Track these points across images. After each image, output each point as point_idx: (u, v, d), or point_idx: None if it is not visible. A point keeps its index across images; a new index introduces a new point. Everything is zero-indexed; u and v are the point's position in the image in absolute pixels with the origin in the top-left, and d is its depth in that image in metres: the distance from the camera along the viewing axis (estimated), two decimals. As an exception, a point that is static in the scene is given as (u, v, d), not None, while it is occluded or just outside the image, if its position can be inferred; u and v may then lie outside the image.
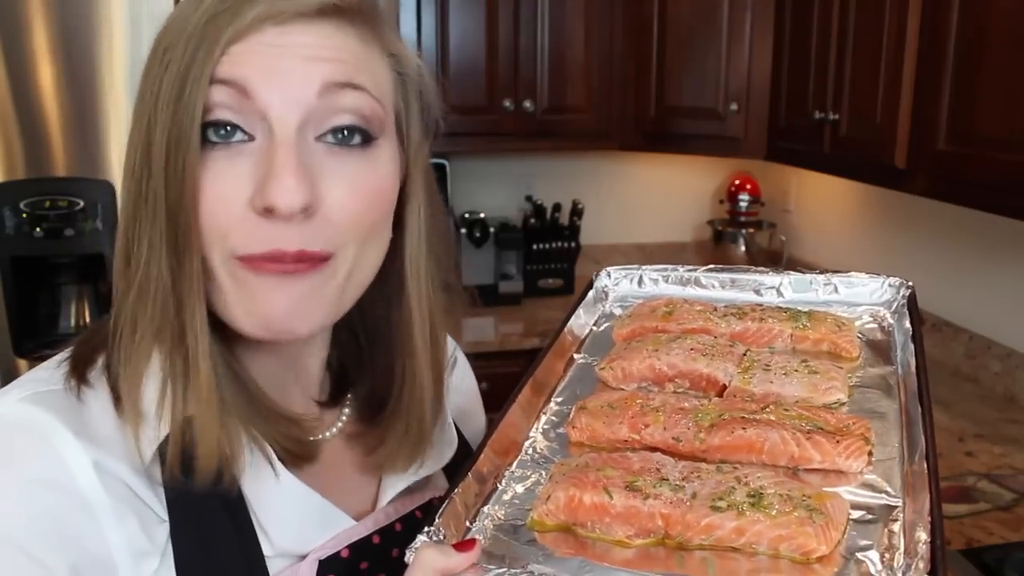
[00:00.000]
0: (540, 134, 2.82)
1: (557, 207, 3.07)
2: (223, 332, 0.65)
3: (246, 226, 0.60)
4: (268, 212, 0.59)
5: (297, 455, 0.68)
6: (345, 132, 0.62)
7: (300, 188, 0.58)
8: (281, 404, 0.71)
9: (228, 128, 0.60)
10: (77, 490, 0.59)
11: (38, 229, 1.88)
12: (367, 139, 0.64)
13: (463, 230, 2.92)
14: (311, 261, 0.61)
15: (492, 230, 2.93)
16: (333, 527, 0.69)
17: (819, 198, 3.00)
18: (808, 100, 2.30)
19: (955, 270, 2.31)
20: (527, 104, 2.76)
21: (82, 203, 1.89)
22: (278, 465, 0.66)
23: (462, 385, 0.93)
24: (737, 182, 3.14)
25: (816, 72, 2.26)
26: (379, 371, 0.76)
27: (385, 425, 0.74)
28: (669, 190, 3.34)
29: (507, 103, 2.75)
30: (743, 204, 3.11)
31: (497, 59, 2.74)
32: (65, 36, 1.84)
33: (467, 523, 0.62)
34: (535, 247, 3.01)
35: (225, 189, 0.60)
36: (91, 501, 0.59)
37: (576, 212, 3.07)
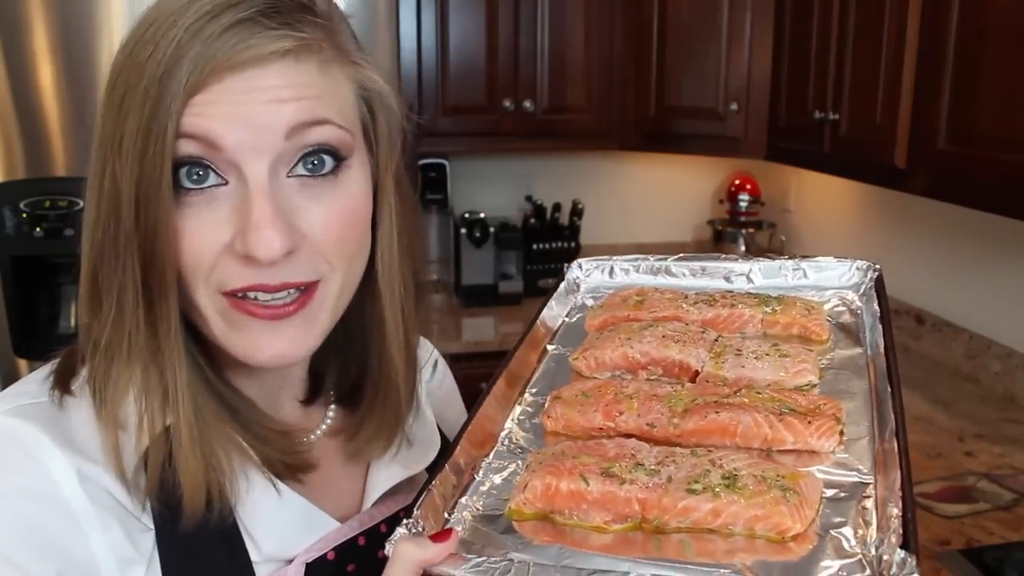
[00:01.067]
0: (540, 134, 2.83)
1: (557, 207, 3.07)
2: (209, 348, 0.66)
3: (228, 266, 0.61)
4: (249, 260, 0.60)
5: (294, 468, 0.69)
6: (315, 161, 0.63)
7: (279, 237, 0.59)
8: (271, 414, 0.72)
9: (201, 172, 0.60)
10: (61, 500, 0.59)
11: (38, 229, 1.88)
12: (337, 163, 0.64)
13: (463, 230, 2.93)
14: (298, 301, 0.63)
15: (492, 230, 2.93)
16: (318, 530, 0.70)
17: (819, 198, 3.00)
18: (808, 100, 2.30)
19: (955, 270, 2.31)
20: (527, 104, 2.76)
21: (82, 203, 1.88)
22: (269, 489, 0.67)
23: (442, 389, 0.94)
24: (737, 182, 3.14)
25: (816, 72, 2.26)
26: (353, 361, 0.77)
27: (362, 413, 0.76)
28: (669, 190, 3.34)
29: (507, 103, 2.75)
30: (743, 204, 3.11)
31: (497, 59, 2.74)
32: (65, 36, 1.84)
33: (445, 514, 0.63)
34: (535, 247, 3.01)
35: (205, 234, 0.60)
36: (75, 510, 0.60)
37: (576, 212, 3.07)
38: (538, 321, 0.90)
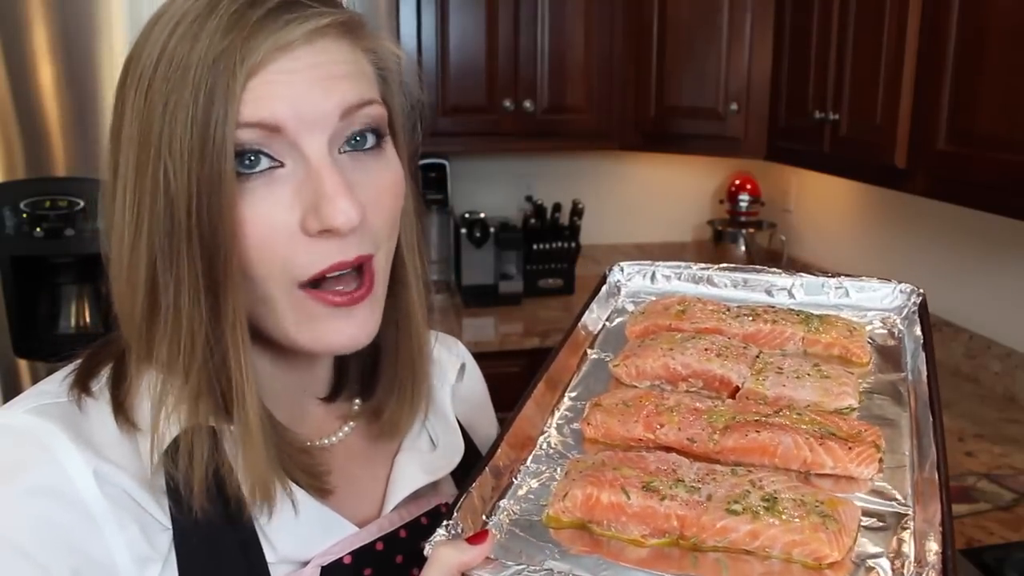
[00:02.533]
0: (540, 134, 2.82)
1: (557, 207, 3.07)
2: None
3: (302, 248, 0.61)
4: (327, 233, 0.61)
5: (315, 488, 0.70)
6: (358, 138, 0.65)
7: (354, 206, 0.60)
8: (296, 417, 0.73)
9: (252, 157, 0.60)
10: (78, 498, 0.60)
11: (38, 229, 1.88)
12: (378, 139, 0.66)
13: (463, 230, 2.92)
14: (365, 281, 0.65)
15: (492, 230, 2.93)
16: (336, 534, 0.70)
17: (819, 198, 3.00)
18: (808, 100, 2.30)
19: (955, 270, 2.31)
20: (527, 104, 2.76)
21: (82, 203, 1.89)
22: (297, 497, 0.67)
23: (472, 394, 0.94)
24: (737, 182, 3.14)
25: (816, 72, 2.26)
26: (373, 352, 0.78)
27: (382, 393, 0.77)
28: (669, 190, 3.34)
29: (507, 103, 2.75)
30: (743, 204, 3.11)
31: (497, 59, 2.74)
32: (65, 36, 1.84)
33: (484, 517, 0.63)
34: (535, 247, 3.01)
35: (272, 216, 0.61)
36: (92, 508, 0.60)
37: (576, 212, 3.07)
38: (579, 324, 0.90)
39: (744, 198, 3.11)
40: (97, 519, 0.60)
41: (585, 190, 3.21)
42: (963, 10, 1.70)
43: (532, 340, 2.64)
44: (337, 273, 0.63)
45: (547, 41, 2.76)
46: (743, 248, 3.07)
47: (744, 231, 3.08)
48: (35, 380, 1.96)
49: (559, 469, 0.69)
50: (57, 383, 0.67)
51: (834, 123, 2.17)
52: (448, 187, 2.91)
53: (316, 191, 0.60)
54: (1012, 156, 1.56)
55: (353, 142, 0.64)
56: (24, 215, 1.88)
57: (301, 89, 0.60)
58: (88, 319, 2.03)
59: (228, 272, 0.60)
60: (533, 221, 3.06)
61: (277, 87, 0.59)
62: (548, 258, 3.03)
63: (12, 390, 1.97)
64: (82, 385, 0.66)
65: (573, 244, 3.05)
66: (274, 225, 0.61)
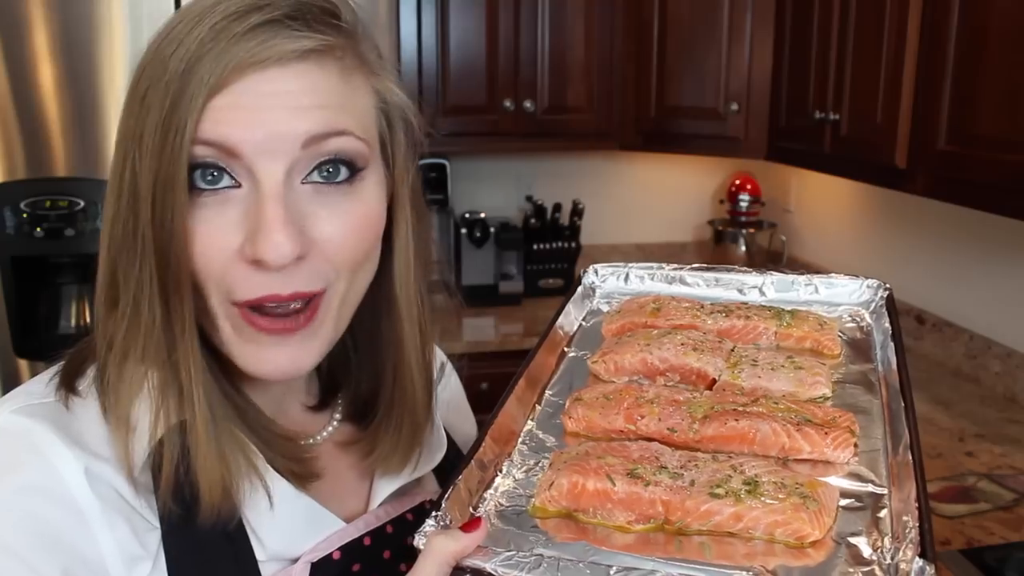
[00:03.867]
0: (540, 134, 2.82)
1: (557, 207, 3.07)
2: (217, 352, 0.66)
3: (239, 272, 0.61)
4: (258, 264, 0.59)
5: (299, 475, 0.69)
6: (330, 169, 0.63)
7: (289, 241, 0.59)
8: (277, 418, 0.72)
9: (215, 173, 0.60)
10: (68, 497, 0.60)
11: (38, 229, 1.88)
12: (353, 173, 0.64)
13: (463, 230, 2.92)
14: (307, 312, 0.63)
15: (492, 230, 2.93)
16: (324, 530, 0.70)
17: (819, 198, 3.00)
18: (808, 100, 2.30)
19: (955, 270, 2.31)
20: (527, 104, 2.76)
21: (82, 203, 1.89)
22: (275, 488, 0.67)
23: (452, 395, 0.94)
24: (737, 182, 3.14)
25: (816, 72, 2.26)
26: (367, 374, 0.77)
27: (376, 429, 0.76)
28: (669, 190, 3.34)
29: (507, 103, 2.75)
30: (743, 204, 3.11)
31: (497, 59, 2.74)
32: (65, 36, 1.84)
33: (471, 509, 0.64)
34: (535, 247, 3.01)
35: (216, 236, 0.60)
36: (82, 507, 0.60)
37: (576, 212, 3.07)
38: (555, 325, 0.91)
39: (744, 198, 3.11)
40: (88, 518, 0.60)
41: (585, 190, 3.21)
42: (963, 10, 1.70)
43: (532, 340, 2.61)
44: (272, 304, 0.62)
45: (547, 41, 2.76)
46: (743, 248, 3.07)
47: (744, 231, 3.08)
48: (35, 380, 1.96)
49: (543, 461, 0.70)
50: (43, 384, 0.66)
51: (834, 123, 2.17)
52: (448, 187, 2.91)
53: (257, 219, 0.59)
54: (1012, 156, 1.56)
55: (326, 173, 0.62)
56: (24, 215, 1.88)
57: (264, 116, 0.59)
58: (88, 319, 2.03)
59: (179, 280, 0.60)
60: (533, 221, 3.06)
61: (239, 112, 0.58)
62: (548, 258, 3.03)
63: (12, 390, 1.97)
64: (68, 385, 0.66)
65: (573, 244, 3.05)
66: (215, 244, 0.60)
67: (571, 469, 0.64)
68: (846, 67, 2.12)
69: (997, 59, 1.60)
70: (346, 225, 0.63)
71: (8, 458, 0.60)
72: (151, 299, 0.60)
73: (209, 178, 0.60)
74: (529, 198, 3.14)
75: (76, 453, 0.61)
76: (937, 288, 2.37)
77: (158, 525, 0.63)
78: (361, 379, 0.78)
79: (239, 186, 0.60)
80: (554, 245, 3.03)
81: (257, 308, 0.62)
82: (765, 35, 2.54)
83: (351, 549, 0.71)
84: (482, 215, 2.96)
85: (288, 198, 0.60)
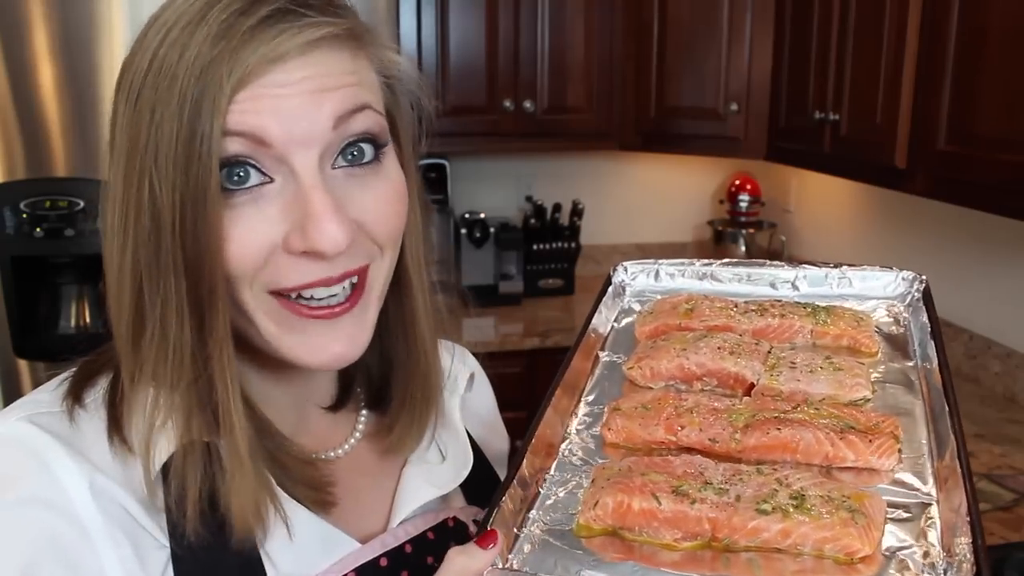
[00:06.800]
0: (540, 134, 2.82)
1: (557, 207, 3.07)
2: (243, 362, 0.65)
3: (282, 262, 0.60)
4: (311, 255, 0.59)
5: (317, 503, 0.68)
6: (355, 152, 0.63)
7: (341, 228, 0.59)
8: (298, 428, 0.71)
9: (242, 172, 0.58)
10: (72, 510, 0.59)
11: (38, 229, 1.88)
12: (377, 151, 0.64)
13: (463, 230, 2.92)
14: (351, 297, 0.63)
15: (492, 230, 2.93)
16: (338, 551, 0.68)
17: (819, 198, 3.00)
18: (808, 100, 2.30)
19: (955, 270, 2.31)
20: (527, 104, 2.76)
21: (82, 203, 1.89)
22: (292, 514, 0.66)
23: (482, 407, 0.92)
24: (737, 182, 3.14)
25: (816, 72, 2.26)
26: (376, 357, 0.77)
27: (394, 411, 0.76)
28: (669, 190, 3.34)
29: (507, 103, 2.75)
30: (743, 204, 3.11)
31: (497, 59, 2.74)
32: (65, 36, 1.84)
33: (515, 530, 0.63)
34: (535, 247, 3.01)
35: (254, 234, 0.59)
36: (86, 522, 0.59)
37: (576, 212, 3.07)
38: (589, 327, 0.89)
39: (744, 198, 3.11)
40: (91, 533, 0.59)
41: (585, 190, 3.21)
42: (963, 10, 1.70)
43: (532, 340, 2.64)
44: (322, 290, 0.61)
45: (547, 41, 2.76)
46: (743, 248, 3.07)
47: (744, 231, 3.08)
48: (35, 380, 1.96)
49: (584, 477, 0.69)
50: (49, 393, 0.65)
51: (834, 123, 2.17)
52: (448, 187, 2.90)
53: (304, 211, 0.58)
54: (1012, 156, 1.56)
55: (350, 156, 0.62)
56: (24, 215, 1.88)
57: (292, 103, 0.58)
58: (88, 319, 2.03)
59: (214, 291, 0.58)
60: (533, 221, 3.06)
61: (266, 101, 0.57)
62: (548, 258, 3.03)
63: (12, 390, 1.97)
64: (76, 396, 0.64)
65: (573, 244, 3.05)
66: (256, 242, 0.59)
67: (615, 487, 0.63)
68: (846, 67, 2.12)
69: (997, 59, 1.60)
70: (380, 200, 0.64)
71: (12, 468, 0.60)
72: (182, 318, 0.59)
73: (236, 178, 0.58)
74: (529, 198, 3.13)
75: (82, 466, 0.60)
76: (937, 288, 2.36)
77: (167, 544, 0.62)
78: (372, 364, 0.77)
79: (271, 181, 0.59)
80: (554, 245, 3.03)
81: (300, 295, 0.61)
82: (765, 35, 2.54)
83: (366, 570, 0.69)
84: (482, 215, 2.96)
85: (329, 186, 0.60)
